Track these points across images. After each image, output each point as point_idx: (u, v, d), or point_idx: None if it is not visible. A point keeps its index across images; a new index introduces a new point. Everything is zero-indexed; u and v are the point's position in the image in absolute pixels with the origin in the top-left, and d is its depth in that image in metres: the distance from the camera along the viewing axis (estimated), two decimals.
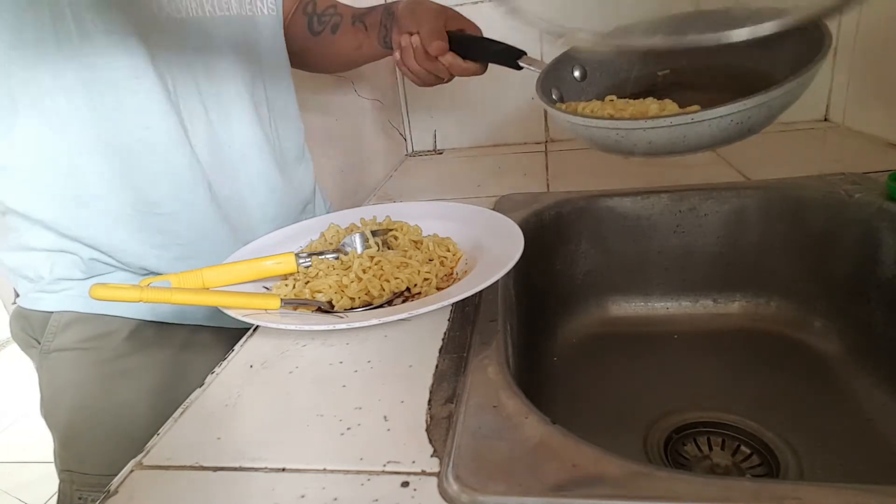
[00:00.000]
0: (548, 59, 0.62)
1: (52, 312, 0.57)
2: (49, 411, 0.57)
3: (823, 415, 0.58)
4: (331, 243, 0.60)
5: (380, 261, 0.54)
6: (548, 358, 0.68)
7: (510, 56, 0.62)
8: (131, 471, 0.35)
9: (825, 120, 0.90)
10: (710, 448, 0.56)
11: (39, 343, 0.57)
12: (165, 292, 0.45)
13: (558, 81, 0.61)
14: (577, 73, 0.63)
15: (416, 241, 0.59)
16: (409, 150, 1.11)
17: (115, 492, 0.34)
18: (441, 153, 1.08)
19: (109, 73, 0.50)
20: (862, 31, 0.81)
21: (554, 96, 0.60)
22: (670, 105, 0.53)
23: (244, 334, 0.63)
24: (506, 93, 1.00)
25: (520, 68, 0.61)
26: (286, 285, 0.55)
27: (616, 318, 0.74)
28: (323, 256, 0.55)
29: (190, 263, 0.58)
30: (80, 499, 0.56)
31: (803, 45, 0.48)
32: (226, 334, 0.62)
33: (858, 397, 0.59)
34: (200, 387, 0.43)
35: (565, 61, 0.62)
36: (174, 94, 0.55)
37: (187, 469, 0.34)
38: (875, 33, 0.79)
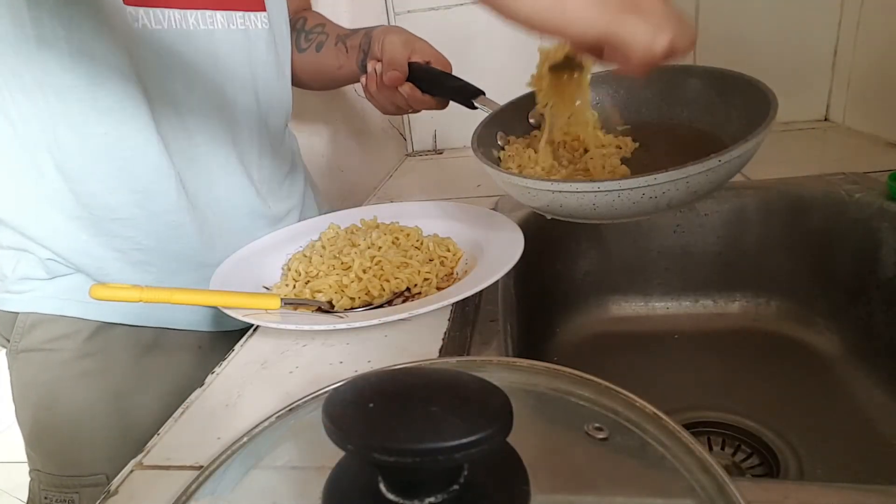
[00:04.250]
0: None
1: (19, 313, 0.56)
2: (18, 411, 0.57)
3: (823, 415, 0.58)
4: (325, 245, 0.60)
5: (380, 261, 0.54)
6: (548, 358, 0.68)
7: (466, 94, 0.60)
8: (131, 471, 0.35)
9: (825, 120, 0.90)
10: (711, 448, 0.56)
11: (9, 342, 0.57)
12: (165, 292, 0.45)
13: (510, 125, 0.59)
14: (532, 120, 0.61)
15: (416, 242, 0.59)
16: (409, 150, 1.11)
17: (116, 492, 0.33)
18: (441, 153, 1.08)
19: (67, 79, 0.49)
20: (862, 30, 0.81)
21: (500, 141, 0.59)
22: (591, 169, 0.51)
23: (211, 337, 0.63)
24: (506, 92, 1.00)
25: (474, 108, 0.60)
26: (286, 285, 0.55)
27: (616, 318, 0.74)
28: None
29: (150, 270, 0.57)
30: (45, 499, 0.55)
31: (754, 109, 0.46)
32: (192, 337, 0.62)
33: (858, 397, 0.59)
34: (201, 387, 0.43)
35: (522, 105, 0.60)
36: (149, 100, 0.53)
37: (187, 469, 0.34)
38: (875, 33, 0.79)
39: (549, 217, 0.50)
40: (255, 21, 0.62)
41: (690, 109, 0.55)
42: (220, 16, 0.58)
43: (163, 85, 0.55)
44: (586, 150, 0.56)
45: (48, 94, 0.49)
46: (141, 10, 0.52)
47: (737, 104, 0.50)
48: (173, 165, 0.56)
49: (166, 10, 0.54)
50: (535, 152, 0.55)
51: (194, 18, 0.56)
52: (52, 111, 0.50)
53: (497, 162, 0.56)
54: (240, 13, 0.61)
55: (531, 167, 0.54)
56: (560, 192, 0.43)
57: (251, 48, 0.62)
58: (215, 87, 0.59)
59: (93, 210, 0.54)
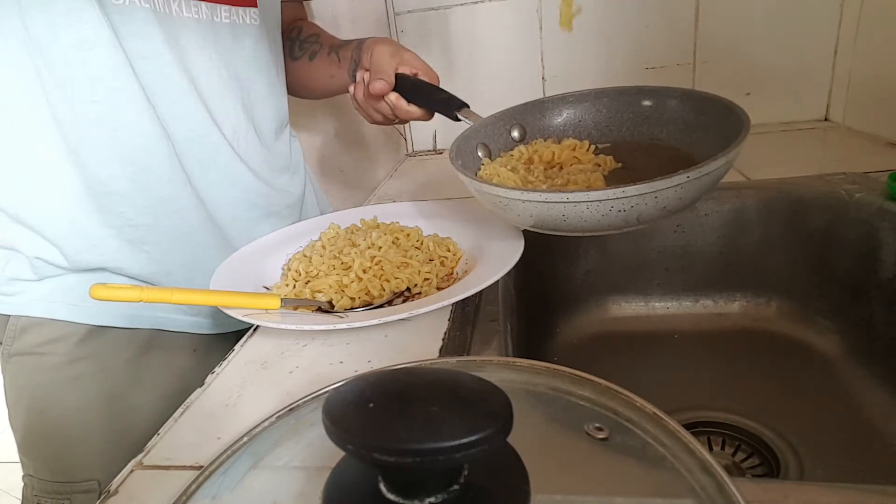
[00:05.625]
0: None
1: (10, 316, 0.56)
2: (11, 415, 0.57)
3: (823, 415, 0.58)
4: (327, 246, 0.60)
5: (380, 261, 0.54)
6: (548, 358, 0.68)
7: (450, 106, 0.61)
8: (131, 471, 0.35)
9: (825, 120, 0.90)
10: (711, 448, 0.56)
11: (1, 345, 0.57)
12: (165, 292, 0.45)
13: (492, 138, 0.60)
14: (515, 134, 0.62)
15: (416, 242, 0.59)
16: (409, 150, 1.11)
17: (116, 492, 0.33)
18: (441, 153, 1.08)
19: (53, 44, 0.49)
20: (862, 30, 0.81)
21: (480, 153, 0.59)
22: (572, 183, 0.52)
23: (206, 340, 0.63)
24: (505, 92, 1.00)
25: (458, 120, 0.60)
26: (286, 285, 0.55)
27: (616, 318, 0.74)
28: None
29: (144, 248, 0.57)
30: None
31: (728, 130, 0.46)
32: (187, 339, 0.61)
33: (858, 397, 0.59)
34: (200, 387, 0.43)
35: (504, 119, 0.61)
36: (136, 73, 0.52)
37: (187, 469, 0.34)
38: (875, 34, 0.79)
39: (520, 229, 0.50)
40: (243, 16, 0.62)
41: (669, 130, 0.57)
42: (204, 7, 0.57)
43: (156, 59, 0.54)
44: (562, 167, 0.57)
45: (38, 61, 0.49)
46: None
47: (713, 125, 0.51)
48: (167, 138, 0.55)
49: None
50: (512, 171, 0.56)
51: (177, 5, 0.55)
52: (43, 81, 0.49)
53: (476, 174, 0.57)
54: (226, 7, 0.60)
55: (510, 181, 0.54)
56: (530, 201, 0.44)
57: (236, 42, 0.61)
58: (193, 76, 0.57)
59: (89, 184, 0.53)
